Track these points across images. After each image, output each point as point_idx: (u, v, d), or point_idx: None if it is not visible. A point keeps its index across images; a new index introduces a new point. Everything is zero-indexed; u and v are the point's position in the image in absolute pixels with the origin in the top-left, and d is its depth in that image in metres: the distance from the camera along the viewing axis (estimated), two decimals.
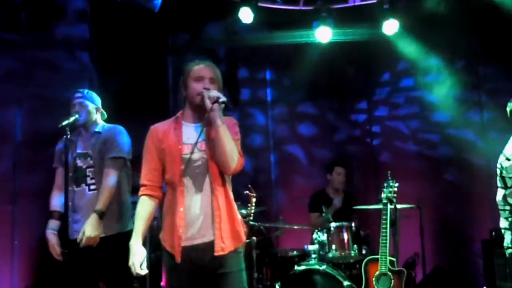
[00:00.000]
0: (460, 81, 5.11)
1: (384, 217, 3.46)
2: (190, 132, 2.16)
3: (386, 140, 5.76)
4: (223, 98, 2.05)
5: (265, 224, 4.06)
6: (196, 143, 2.11)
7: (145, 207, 2.12)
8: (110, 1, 4.35)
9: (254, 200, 3.68)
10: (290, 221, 4.40)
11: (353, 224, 3.86)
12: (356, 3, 4.94)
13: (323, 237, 3.81)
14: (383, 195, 3.54)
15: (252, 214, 3.70)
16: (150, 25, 4.82)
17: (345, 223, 3.87)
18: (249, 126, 5.55)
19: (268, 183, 5.59)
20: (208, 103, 2.05)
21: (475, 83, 5.14)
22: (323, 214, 3.87)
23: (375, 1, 4.76)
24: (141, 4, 4.18)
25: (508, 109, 2.63)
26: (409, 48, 5.10)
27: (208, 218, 2.07)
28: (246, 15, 4.61)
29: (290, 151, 5.72)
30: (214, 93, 2.07)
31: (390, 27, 4.71)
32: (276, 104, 5.73)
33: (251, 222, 3.74)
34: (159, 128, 2.21)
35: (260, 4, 4.72)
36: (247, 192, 3.68)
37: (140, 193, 2.15)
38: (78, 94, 2.92)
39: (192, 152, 2.09)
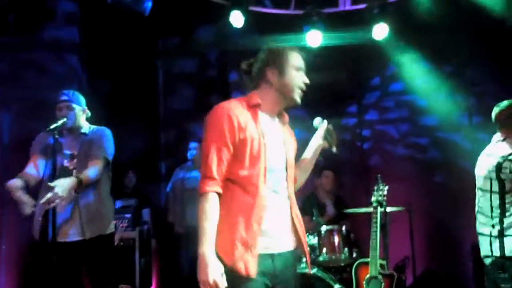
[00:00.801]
0: (449, 85, 5.16)
1: (374, 220, 3.47)
2: (268, 125, 1.89)
3: (376, 144, 5.79)
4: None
5: None
6: (278, 140, 1.91)
7: (215, 207, 1.72)
8: (100, 4, 4.33)
9: None
10: None
11: (343, 227, 3.87)
12: (347, 8, 4.98)
13: (314, 240, 3.81)
14: (373, 198, 3.55)
15: None
16: (141, 28, 4.81)
17: (335, 226, 3.88)
18: None
19: None
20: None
21: (463, 87, 5.20)
22: (314, 218, 3.87)
23: (365, 5, 4.79)
24: (131, 7, 4.16)
25: (493, 114, 2.64)
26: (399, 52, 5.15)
27: (290, 225, 1.89)
28: (237, 19, 4.61)
29: None
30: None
31: (380, 31, 4.75)
32: None
33: None
34: (237, 110, 1.81)
35: (251, 8, 4.73)
36: None
37: (206, 187, 1.72)
38: (64, 97, 2.87)
39: (275, 150, 1.87)
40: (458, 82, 5.17)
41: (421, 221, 4.86)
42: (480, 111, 4.96)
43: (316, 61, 5.23)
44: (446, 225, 5.11)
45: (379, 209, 3.50)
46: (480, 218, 2.57)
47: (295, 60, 1.93)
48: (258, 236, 1.74)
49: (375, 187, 3.58)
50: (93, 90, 4.39)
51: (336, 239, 3.82)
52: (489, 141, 2.71)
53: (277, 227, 1.83)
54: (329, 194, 4.72)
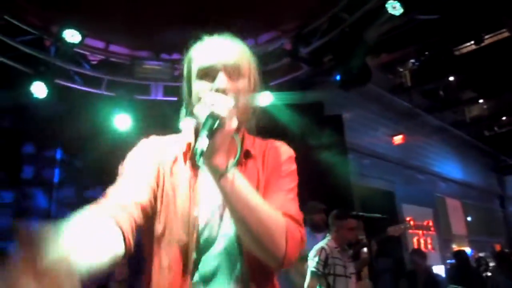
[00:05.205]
0: None
1: None
2: (208, 183, 1.09)
3: None
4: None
5: None
6: (217, 208, 1.11)
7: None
8: None
9: None
10: None
11: None
12: (158, 97, 5.13)
13: None
14: None
15: None
16: None
17: None
18: (27, 208, 4.90)
19: None
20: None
21: None
22: None
23: (176, 98, 5.01)
24: None
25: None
26: None
27: None
28: (39, 89, 4.29)
29: None
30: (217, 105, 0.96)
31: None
32: (63, 186, 5.26)
33: None
34: (167, 155, 1.15)
35: (57, 81, 4.47)
36: None
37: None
38: None
39: (209, 223, 1.09)
40: None
41: None
42: None
43: (123, 144, 5.16)
44: None
45: None
46: None
47: (198, 61, 1.11)
48: None
49: None
50: None
51: None
52: None
53: None
54: None
